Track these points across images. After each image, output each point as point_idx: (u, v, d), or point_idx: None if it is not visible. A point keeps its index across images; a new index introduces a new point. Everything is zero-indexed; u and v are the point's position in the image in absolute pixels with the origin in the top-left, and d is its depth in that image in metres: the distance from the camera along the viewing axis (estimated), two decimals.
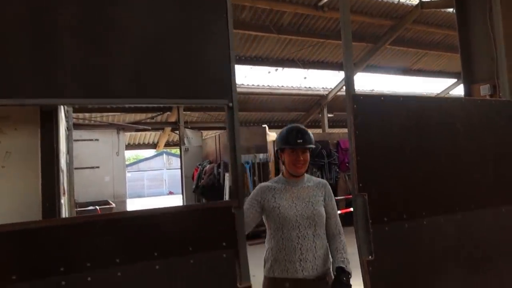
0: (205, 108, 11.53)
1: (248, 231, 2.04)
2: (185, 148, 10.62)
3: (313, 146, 2.17)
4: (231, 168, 2.01)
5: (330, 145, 9.63)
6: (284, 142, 2.14)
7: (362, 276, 2.17)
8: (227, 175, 8.92)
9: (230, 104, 1.99)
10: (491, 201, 2.73)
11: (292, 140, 2.10)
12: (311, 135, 2.17)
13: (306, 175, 2.25)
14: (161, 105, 10.66)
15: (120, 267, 1.61)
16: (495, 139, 2.82)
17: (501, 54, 3.05)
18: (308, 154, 2.14)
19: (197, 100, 2.07)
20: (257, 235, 8.35)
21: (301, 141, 2.09)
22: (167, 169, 26.59)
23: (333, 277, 2.11)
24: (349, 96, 2.32)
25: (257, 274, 5.88)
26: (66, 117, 4.68)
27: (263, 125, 10.03)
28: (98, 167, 9.95)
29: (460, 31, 3.40)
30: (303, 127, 2.21)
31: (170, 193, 24.48)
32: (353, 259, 2.00)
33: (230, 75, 1.99)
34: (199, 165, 9.64)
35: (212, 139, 9.88)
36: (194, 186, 9.72)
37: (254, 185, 8.70)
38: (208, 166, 9.30)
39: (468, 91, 3.36)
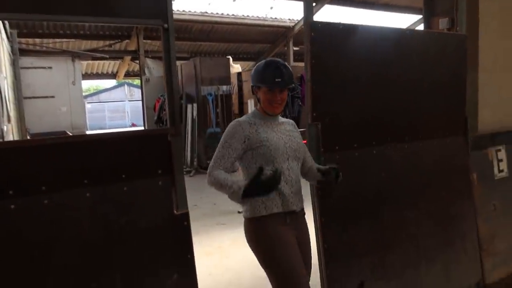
0: None
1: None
2: (146, 79, 10.26)
3: (292, 85, 2.01)
4: (167, 94, 1.92)
5: (294, 79, 9.58)
6: (260, 79, 1.95)
7: (312, 202, 2.29)
8: (189, 106, 8.80)
9: (166, 26, 1.82)
10: (438, 132, 2.86)
11: (270, 78, 1.91)
12: (291, 71, 1.99)
13: None
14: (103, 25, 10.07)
15: (46, 194, 1.56)
16: (448, 72, 2.89)
17: None
18: (286, 93, 1.98)
19: (126, 19, 1.90)
20: None
21: (280, 80, 1.90)
22: (129, 100, 25.84)
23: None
24: (307, 23, 2.26)
25: (198, 204, 5.98)
26: (9, 40, 4.31)
27: (227, 56, 9.77)
28: (53, 96, 9.49)
29: None
30: (283, 62, 2.01)
31: (133, 125, 24.06)
32: (305, 188, 2.06)
33: None
34: (161, 96, 9.40)
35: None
36: (156, 118, 9.56)
37: (217, 117, 8.67)
38: None
39: (427, 24, 3.36)
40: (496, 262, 3.13)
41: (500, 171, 3.27)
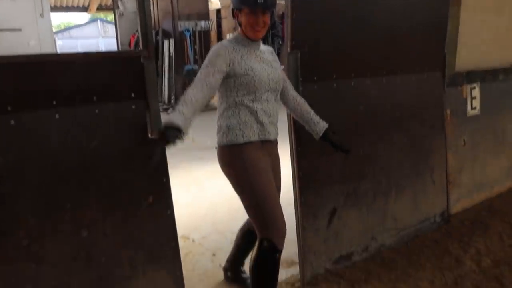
0: None
1: (206, 102, 1.80)
2: (120, 13, 9.74)
3: (274, 8, 1.91)
4: (138, 11, 1.81)
5: (276, 16, 9.30)
6: (241, 0, 1.83)
7: (289, 132, 2.30)
8: (166, 42, 8.48)
9: None
10: (416, 68, 2.86)
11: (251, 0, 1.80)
12: None
13: None
14: None
15: (12, 114, 1.50)
16: (430, 7, 2.83)
17: None
18: (269, 16, 1.88)
19: None
20: None
21: (262, 1, 1.79)
22: (102, 37, 24.67)
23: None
24: None
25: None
26: None
27: None
28: (20, 29, 8.94)
29: None
30: None
31: None
32: (281, 120, 2.05)
33: None
34: (136, 31, 8.99)
35: (150, 3, 9.08)
36: None
37: (195, 54, 8.42)
38: None
39: None
40: (461, 193, 3.29)
41: (473, 108, 3.34)
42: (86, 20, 25.54)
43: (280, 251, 1.88)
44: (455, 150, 3.20)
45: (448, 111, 3.14)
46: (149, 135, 1.79)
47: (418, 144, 2.91)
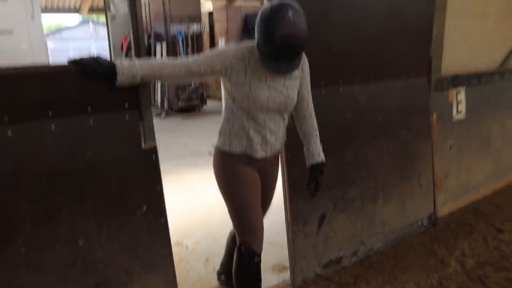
0: None
1: (182, 81, 1.77)
2: (112, 15, 9.72)
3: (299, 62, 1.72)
4: (131, 21, 1.85)
5: None
6: (267, 38, 1.60)
7: None
8: (158, 45, 8.51)
9: None
10: (403, 73, 2.94)
11: (274, 61, 1.63)
12: (304, 32, 1.64)
13: None
14: None
15: (9, 125, 1.54)
16: (416, 12, 2.91)
17: None
18: None
19: None
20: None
21: (286, 69, 1.67)
22: (94, 39, 24.55)
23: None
24: None
25: (170, 145, 5.99)
26: None
27: None
28: (10, 32, 8.89)
29: None
30: (297, 9, 1.62)
31: None
32: None
33: None
34: (129, 34, 9.00)
35: (142, 6, 9.08)
36: (123, 58, 9.22)
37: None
38: None
39: None
40: (447, 197, 3.38)
41: (459, 112, 3.43)
42: (77, 22, 25.38)
43: (258, 255, 1.88)
44: (441, 154, 3.29)
45: (434, 116, 3.22)
46: (142, 145, 1.85)
47: (405, 149, 2.99)
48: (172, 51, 8.42)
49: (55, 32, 25.50)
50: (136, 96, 1.81)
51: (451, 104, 3.39)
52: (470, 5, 3.58)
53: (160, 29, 8.64)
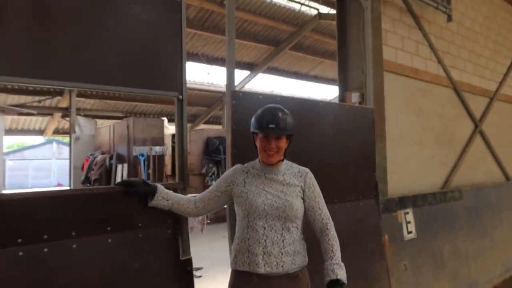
0: (101, 95, 10.90)
1: (205, 212, 1.98)
2: (76, 137, 9.91)
3: (290, 132, 1.87)
4: (178, 152, 2.26)
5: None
6: (255, 125, 1.86)
7: None
8: (119, 166, 8.57)
9: (180, 97, 2.25)
10: (351, 196, 3.08)
11: (263, 124, 1.81)
12: (290, 118, 1.87)
13: (286, 162, 1.97)
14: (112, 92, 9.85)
15: (76, 239, 1.79)
16: (359, 141, 3.20)
17: (369, 67, 3.46)
18: (284, 141, 1.86)
19: (151, 91, 2.19)
20: None
21: (274, 126, 1.80)
22: (56, 158, 24.44)
23: (307, 276, 1.91)
24: (229, 92, 2.43)
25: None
26: None
27: (162, 118, 9.83)
28: None
29: (340, 44, 3.76)
30: (282, 108, 1.90)
31: (59, 184, 22.57)
32: None
33: (182, 70, 2.25)
34: (91, 155, 9.08)
35: (107, 129, 9.38)
36: (83, 178, 9.12)
37: (148, 178, 8.49)
38: (100, 156, 8.82)
39: (342, 97, 3.73)
40: None
41: (409, 232, 3.54)
42: (41, 141, 25.53)
43: None
44: (397, 276, 3.28)
45: (386, 237, 3.30)
46: (180, 257, 2.11)
47: (361, 271, 2.98)
48: (134, 172, 8.49)
49: (16, 150, 25.36)
50: (178, 215, 2.05)
51: (401, 224, 3.51)
52: (408, 135, 3.99)
53: (123, 150, 8.82)
